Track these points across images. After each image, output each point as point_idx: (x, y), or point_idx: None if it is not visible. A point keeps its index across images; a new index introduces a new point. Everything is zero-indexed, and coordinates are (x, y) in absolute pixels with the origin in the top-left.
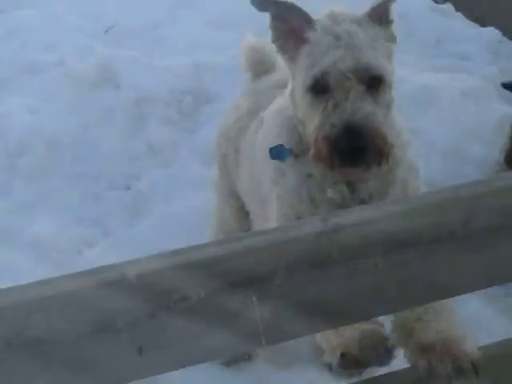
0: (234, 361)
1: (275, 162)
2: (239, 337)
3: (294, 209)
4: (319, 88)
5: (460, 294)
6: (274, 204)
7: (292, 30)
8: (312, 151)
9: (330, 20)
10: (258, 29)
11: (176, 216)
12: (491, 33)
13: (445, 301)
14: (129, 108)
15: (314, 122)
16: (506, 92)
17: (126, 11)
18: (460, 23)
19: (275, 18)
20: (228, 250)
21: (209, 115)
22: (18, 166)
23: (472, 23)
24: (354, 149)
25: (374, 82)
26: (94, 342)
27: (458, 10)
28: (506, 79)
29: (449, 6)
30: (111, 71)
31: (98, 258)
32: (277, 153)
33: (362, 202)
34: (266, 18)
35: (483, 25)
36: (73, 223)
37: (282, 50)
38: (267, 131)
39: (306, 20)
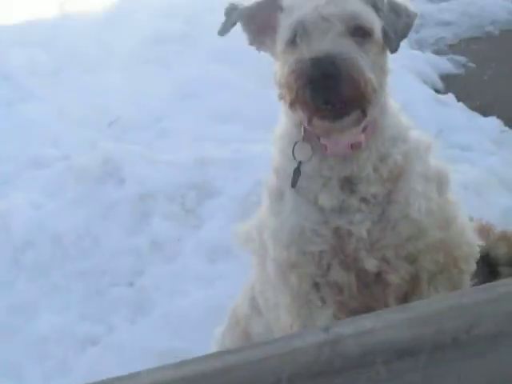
0: None
1: (276, 183)
2: None
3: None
4: (296, 35)
5: None
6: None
7: (263, 22)
8: (281, 95)
9: None
10: (263, 123)
11: (179, 313)
12: (493, 122)
13: None
14: (132, 203)
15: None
16: (509, 183)
17: (129, 104)
18: (461, 113)
19: (245, 23)
20: (230, 362)
21: (213, 210)
22: (22, 261)
23: (474, 113)
24: (325, 75)
25: (361, 33)
26: None
27: (459, 99)
28: (509, 170)
29: (450, 96)
30: (115, 166)
31: (101, 356)
32: None
33: (364, 201)
34: (270, 112)
35: (485, 114)
36: (76, 320)
37: (262, 44)
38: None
39: (273, 3)
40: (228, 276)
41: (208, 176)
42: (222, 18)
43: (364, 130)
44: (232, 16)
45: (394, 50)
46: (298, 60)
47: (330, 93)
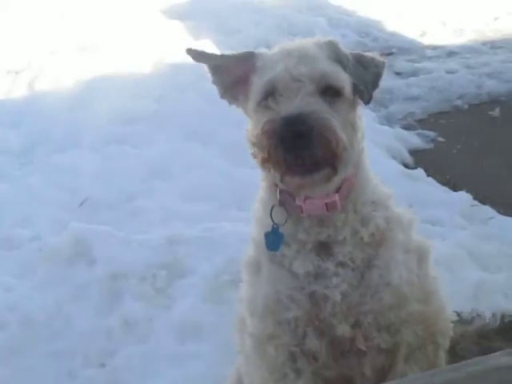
0: None
1: (254, 254)
2: None
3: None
4: (268, 95)
5: None
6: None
7: (237, 77)
8: (254, 154)
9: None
10: (234, 201)
11: None
12: (463, 197)
13: None
14: (103, 283)
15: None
16: (480, 258)
17: (99, 183)
18: (431, 188)
19: (215, 72)
20: None
21: (184, 290)
22: None
23: (443, 187)
24: (297, 135)
25: (331, 93)
26: None
27: (428, 174)
28: (479, 244)
29: (419, 171)
30: (86, 246)
31: None
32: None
33: (342, 265)
34: (241, 190)
35: (454, 189)
36: None
37: (234, 98)
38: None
39: (249, 58)
40: (200, 355)
41: (179, 255)
42: (192, 98)
43: (338, 190)
44: (203, 56)
45: (367, 102)
46: (270, 120)
47: (302, 151)
